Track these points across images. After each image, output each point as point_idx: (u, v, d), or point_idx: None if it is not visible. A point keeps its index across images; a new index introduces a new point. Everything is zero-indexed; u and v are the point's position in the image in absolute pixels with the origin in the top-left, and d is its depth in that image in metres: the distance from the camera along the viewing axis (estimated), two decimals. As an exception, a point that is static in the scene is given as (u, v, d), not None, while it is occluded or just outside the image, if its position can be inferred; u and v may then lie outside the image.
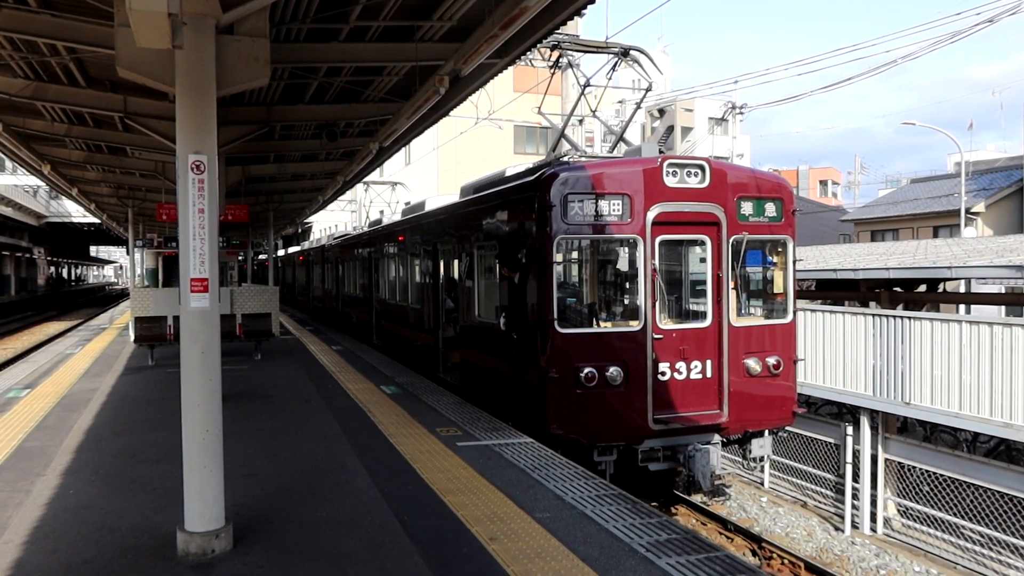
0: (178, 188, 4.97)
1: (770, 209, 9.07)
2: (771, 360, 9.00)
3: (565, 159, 9.41)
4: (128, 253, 29.17)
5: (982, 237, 25.24)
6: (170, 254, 27.91)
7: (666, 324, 8.66)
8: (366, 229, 20.71)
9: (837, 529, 11.00)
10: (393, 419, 9.11)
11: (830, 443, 11.86)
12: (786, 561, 9.44)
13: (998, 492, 9.69)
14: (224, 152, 10.96)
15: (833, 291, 17.47)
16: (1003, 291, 20.28)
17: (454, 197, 12.81)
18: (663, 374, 8.53)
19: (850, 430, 11.29)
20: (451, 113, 11.69)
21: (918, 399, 10.53)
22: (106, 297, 74.84)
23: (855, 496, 11.10)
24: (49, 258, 68.56)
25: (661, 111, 51.36)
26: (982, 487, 9.92)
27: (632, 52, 10.76)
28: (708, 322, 8.83)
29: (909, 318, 10.88)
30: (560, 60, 10.87)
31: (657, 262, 8.51)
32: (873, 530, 10.91)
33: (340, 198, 29.05)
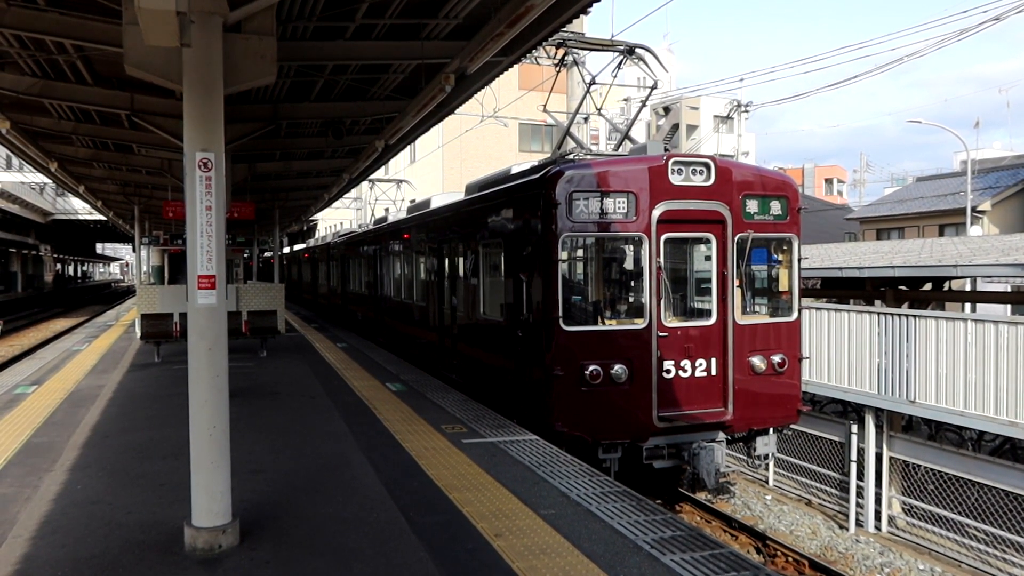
0: (186, 185, 4.99)
1: (775, 207, 9.07)
2: (776, 358, 9.01)
3: (570, 157, 9.42)
4: (134, 250, 29.29)
5: (988, 236, 25.17)
6: (176, 251, 27.97)
7: (671, 322, 8.67)
8: (371, 227, 20.75)
9: (841, 527, 11.00)
10: (399, 416, 9.13)
11: (835, 441, 11.85)
12: (790, 559, 9.44)
13: (1003, 491, 9.68)
14: (231, 149, 11.00)
15: (838, 289, 17.45)
16: (1009, 290, 20.23)
17: (459, 195, 12.83)
18: (668, 372, 8.54)
19: (855, 428, 11.27)
20: (456, 111, 11.71)
21: (923, 397, 10.52)
22: (112, 294, 75.06)
23: (860, 494, 11.10)
24: (55, 255, 68.78)
25: (666, 109, 51.30)
26: (987, 485, 9.91)
27: (637, 50, 10.75)
28: (713, 320, 8.83)
29: (914, 316, 10.86)
30: (565, 58, 10.88)
31: (662, 260, 8.52)
32: (878, 528, 10.90)
33: (345, 196, 29.10)
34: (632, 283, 8.91)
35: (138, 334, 16.13)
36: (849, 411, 14.08)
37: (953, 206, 31.03)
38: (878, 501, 10.99)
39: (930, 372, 10.43)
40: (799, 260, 9.31)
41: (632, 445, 8.47)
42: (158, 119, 10.39)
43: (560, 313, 8.25)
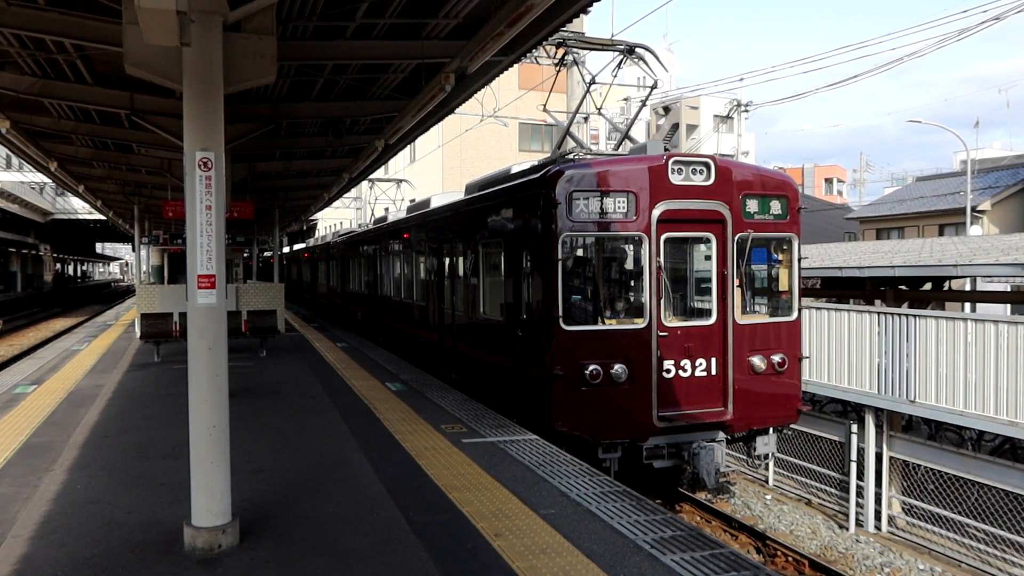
0: (185, 185, 4.99)
1: (775, 207, 9.07)
2: (776, 358, 9.00)
3: (570, 157, 9.41)
4: (134, 250, 29.29)
5: (988, 235, 25.18)
6: (175, 251, 27.96)
7: (671, 321, 8.66)
8: (371, 226, 20.75)
9: (841, 527, 11.00)
10: (399, 416, 9.13)
11: (835, 441, 11.85)
12: (790, 558, 9.44)
13: (1003, 490, 9.68)
14: (230, 149, 10.99)
15: (838, 289, 17.45)
16: (1009, 289, 20.23)
17: (459, 195, 12.82)
18: (668, 372, 8.54)
19: (855, 428, 11.27)
20: (456, 110, 11.71)
21: (923, 397, 10.51)
22: (112, 294, 75.05)
23: (860, 494, 11.10)
24: (55, 255, 68.76)
25: (666, 109, 51.32)
26: (987, 485, 9.90)
27: (637, 49, 10.75)
28: (713, 320, 8.83)
29: (914, 316, 10.86)
30: (565, 57, 10.87)
31: (662, 259, 8.52)
32: (878, 528, 10.90)
33: (345, 195, 29.10)
34: (632, 283, 8.91)
35: (138, 334, 16.12)
36: (849, 411, 14.08)
37: (953, 206, 31.04)
38: (878, 501, 10.99)
39: (930, 372, 10.43)
40: (799, 259, 9.30)
41: (632, 445, 8.47)
42: (158, 118, 10.38)
43: (560, 313, 8.24)
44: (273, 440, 8.05)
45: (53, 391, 10.97)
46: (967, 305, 19.76)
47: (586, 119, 25.57)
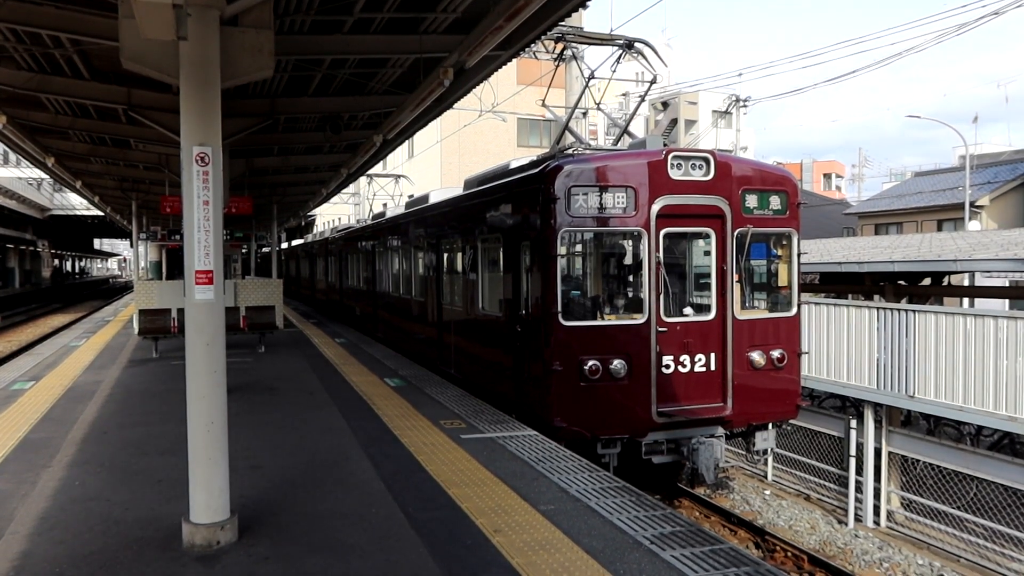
0: (183, 180, 4.96)
1: (774, 202, 9.05)
2: (775, 353, 9.00)
3: (569, 152, 9.39)
4: (132, 246, 29.26)
5: (986, 230, 25.18)
6: (173, 247, 27.94)
7: (670, 317, 8.65)
8: (369, 222, 20.72)
9: (840, 522, 11.01)
10: (397, 412, 9.12)
11: (834, 436, 11.85)
12: (789, 554, 9.45)
13: (1002, 485, 9.69)
14: (228, 144, 10.96)
15: (837, 284, 17.45)
16: (1007, 284, 20.25)
17: (458, 190, 12.80)
18: (667, 367, 8.53)
19: (854, 423, 11.28)
20: (455, 106, 11.68)
21: (922, 392, 10.51)
22: (110, 290, 74.92)
23: (858, 489, 11.11)
24: (53, 251, 68.68)
25: (665, 104, 51.23)
26: (986, 480, 9.91)
27: (636, 44, 10.71)
28: (712, 315, 8.82)
29: (913, 311, 10.85)
30: (564, 52, 10.85)
31: (661, 255, 8.50)
32: (876, 523, 10.91)
33: (343, 191, 29.07)
34: (631, 278, 8.89)
35: (136, 330, 16.09)
36: (848, 406, 14.09)
37: (951, 201, 31.06)
38: (877, 496, 11.00)
39: (929, 367, 10.42)
40: (798, 255, 9.29)
41: (631, 440, 8.47)
42: (155, 114, 10.35)
43: (559, 308, 8.23)
44: (272, 436, 8.04)
45: (51, 387, 10.95)
46: (965, 301, 19.77)
47: (585, 114, 25.50)
